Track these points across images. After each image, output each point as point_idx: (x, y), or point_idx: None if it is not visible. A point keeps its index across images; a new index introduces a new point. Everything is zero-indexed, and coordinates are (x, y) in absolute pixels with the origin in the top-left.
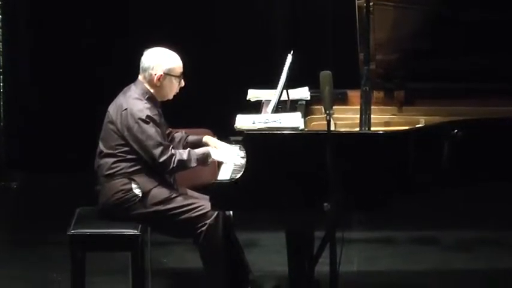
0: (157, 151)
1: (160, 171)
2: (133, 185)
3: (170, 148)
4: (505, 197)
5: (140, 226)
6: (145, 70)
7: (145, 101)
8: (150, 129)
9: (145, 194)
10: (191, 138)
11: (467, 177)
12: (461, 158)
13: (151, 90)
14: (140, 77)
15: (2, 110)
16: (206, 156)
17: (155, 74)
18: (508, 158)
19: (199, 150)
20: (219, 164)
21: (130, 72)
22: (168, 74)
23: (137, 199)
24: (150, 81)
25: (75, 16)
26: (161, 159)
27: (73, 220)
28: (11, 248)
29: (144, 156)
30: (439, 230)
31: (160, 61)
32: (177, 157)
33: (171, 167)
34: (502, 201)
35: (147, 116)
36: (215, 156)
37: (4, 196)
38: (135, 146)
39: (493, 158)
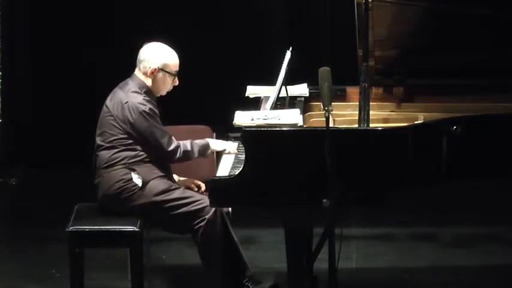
0: (164, 141)
1: (166, 161)
2: (134, 175)
3: (173, 138)
4: (503, 193)
5: (139, 222)
6: (141, 62)
7: (144, 95)
8: (154, 120)
9: (145, 183)
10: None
11: (466, 173)
12: (460, 154)
13: (148, 84)
14: (136, 70)
15: (0, 106)
16: (206, 148)
17: (149, 67)
18: (506, 154)
19: (200, 142)
20: (218, 159)
21: (130, 67)
22: (162, 69)
23: (137, 189)
24: (145, 74)
25: (74, 12)
26: (169, 148)
27: (72, 216)
28: (10, 244)
29: (150, 147)
30: (437, 227)
31: (157, 55)
32: (182, 148)
33: (177, 156)
34: (501, 197)
35: (150, 109)
36: (214, 146)
37: (3, 192)
38: (141, 139)
39: (492, 154)
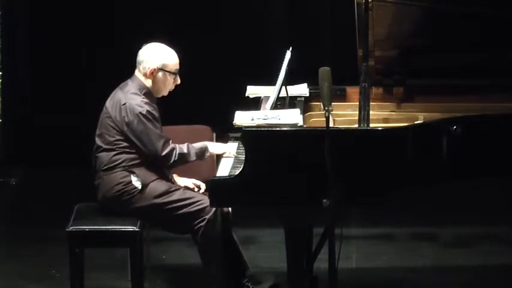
0: (159, 145)
1: (161, 165)
2: (133, 178)
3: (170, 142)
4: (503, 193)
5: (139, 222)
6: (140, 63)
7: (143, 96)
8: (151, 123)
9: (145, 186)
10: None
11: (466, 173)
12: (460, 154)
13: (148, 85)
14: (136, 71)
15: (0, 106)
16: (204, 150)
17: (149, 68)
18: (506, 154)
19: (198, 145)
20: (218, 160)
21: (130, 67)
22: (161, 68)
23: (137, 191)
24: (145, 75)
25: (74, 12)
26: (163, 153)
27: (72, 216)
28: (10, 244)
29: (145, 151)
30: (437, 226)
31: (155, 55)
32: (178, 151)
33: (172, 160)
34: (501, 197)
35: (147, 111)
36: (212, 149)
37: (3, 192)
38: (136, 141)
39: (492, 153)
